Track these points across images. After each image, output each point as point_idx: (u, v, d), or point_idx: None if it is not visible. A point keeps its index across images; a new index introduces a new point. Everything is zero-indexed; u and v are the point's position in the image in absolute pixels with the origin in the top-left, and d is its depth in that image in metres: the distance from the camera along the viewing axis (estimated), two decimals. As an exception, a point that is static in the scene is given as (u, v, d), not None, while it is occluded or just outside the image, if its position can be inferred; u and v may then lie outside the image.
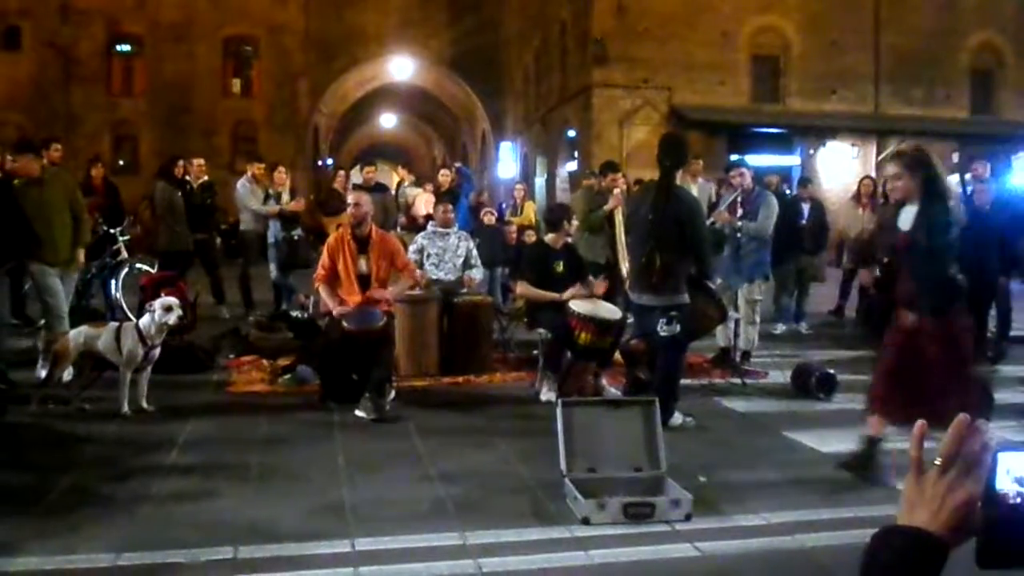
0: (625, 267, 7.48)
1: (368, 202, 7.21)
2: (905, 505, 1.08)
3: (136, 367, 6.33)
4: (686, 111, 23.11)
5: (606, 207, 8.40)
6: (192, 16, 30.78)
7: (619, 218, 8.03)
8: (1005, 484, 1.02)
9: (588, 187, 9.98)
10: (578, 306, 6.91)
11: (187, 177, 11.05)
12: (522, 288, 7.57)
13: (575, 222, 7.80)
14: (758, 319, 8.43)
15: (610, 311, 7.05)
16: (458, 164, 12.70)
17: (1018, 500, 1.02)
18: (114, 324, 6.63)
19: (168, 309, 6.35)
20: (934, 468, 1.06)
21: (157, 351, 6.44)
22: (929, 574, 1.01)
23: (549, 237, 7.72)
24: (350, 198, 7.51)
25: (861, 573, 1.04)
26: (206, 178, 11.60)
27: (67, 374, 6.54)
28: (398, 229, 11.50)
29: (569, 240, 7.76)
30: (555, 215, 7.98)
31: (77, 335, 6.43)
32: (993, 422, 6.29)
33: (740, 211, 8.09)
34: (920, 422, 1.10)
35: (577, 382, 7.20)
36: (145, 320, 6.38)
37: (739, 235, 8.09)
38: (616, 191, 8.51)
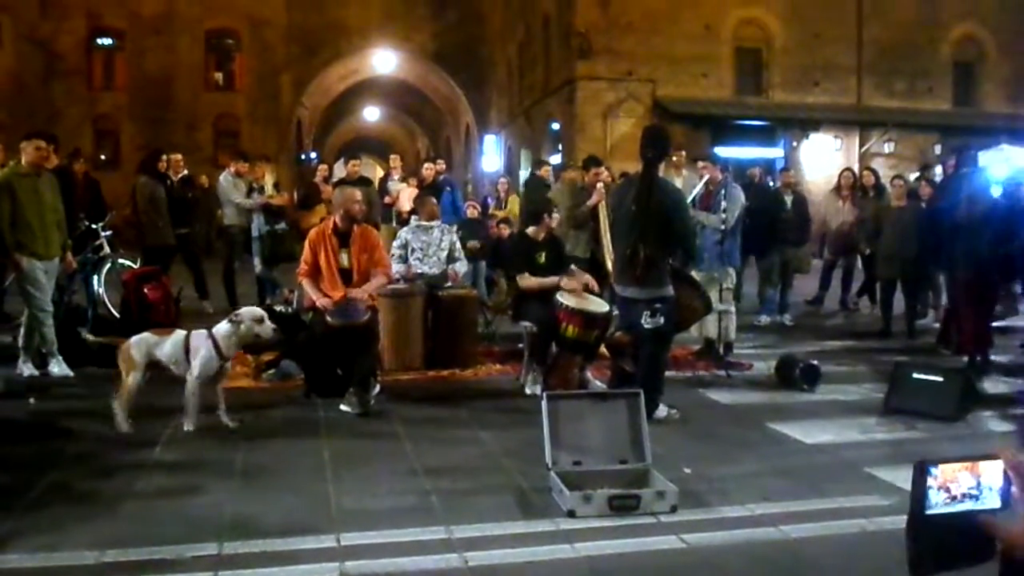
0: (610, 261, 7.48)
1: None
2: None
3: (210, 380, 5.81)
4: (670, 104, 23.14)
5: (589, 202, 8.40)
6: (173, 9, 30.53)
7: (603, 212, 8.02)
8: (933, 494, 1.03)
9: (570, 180, 9.97)
10: (566, 299, 6.90)
11: (168, 172, 11.00)
12: (525, 281, 7.41)
13: (556, 215, 7.76)
14: (733, 308, 8.45)
15: (598, 304, 7.04)
16: (445, 177, 12.57)
17: (945, 509, 1.03)
18: (181, 332, 5.92)
19: (259, 321, 5.84)
20: None
21: (230, 364, 5.98)
22: None
23: (531, 229, 7.70)
24: (336, 194, 7.45)
25: None
26: (185, 172, 11.54)
27: (59, 368, 6.53)
28: (393, 223, 11.50)
29: (551, 231, 7.73)
30: (535, 208, 7.97)
31: (139, 343, 5.78)
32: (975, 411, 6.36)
33: (724, 203, 8.09)
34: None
35: (562, 375, 7.18)
36: (225, 328, 5.80)
37: (703, 227, 8.14)
38: (599, 185, 8.50)
